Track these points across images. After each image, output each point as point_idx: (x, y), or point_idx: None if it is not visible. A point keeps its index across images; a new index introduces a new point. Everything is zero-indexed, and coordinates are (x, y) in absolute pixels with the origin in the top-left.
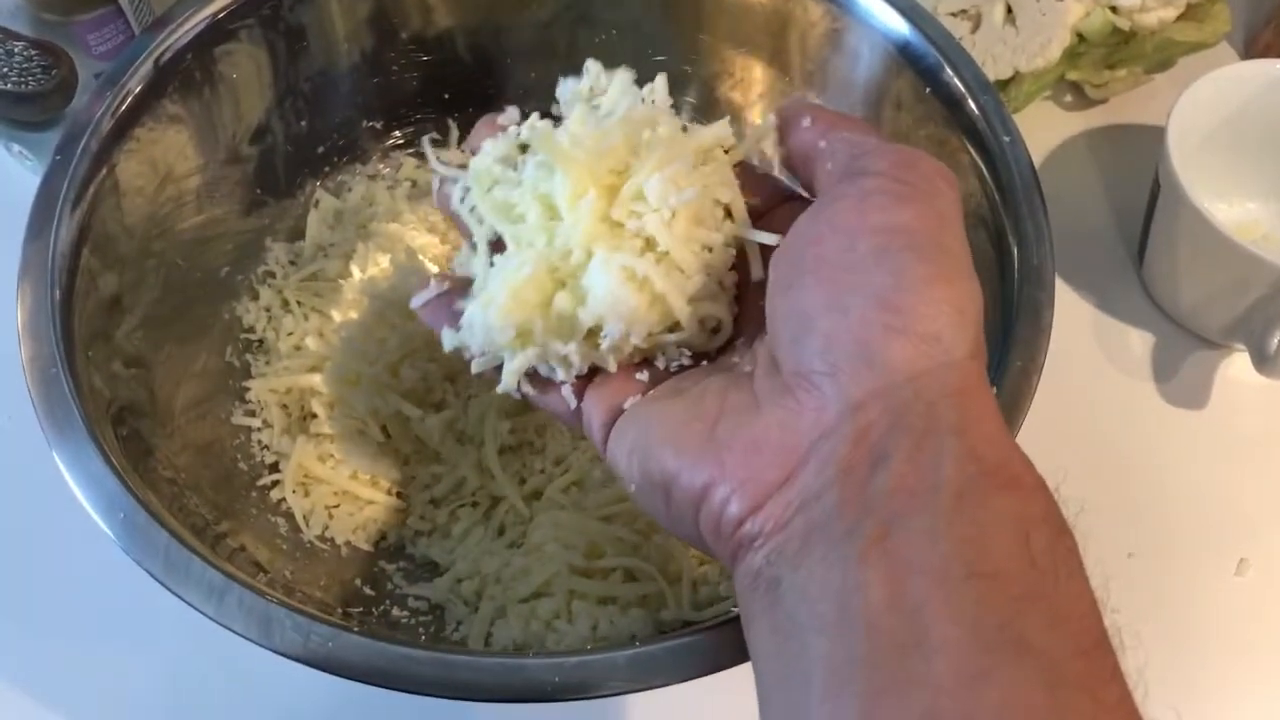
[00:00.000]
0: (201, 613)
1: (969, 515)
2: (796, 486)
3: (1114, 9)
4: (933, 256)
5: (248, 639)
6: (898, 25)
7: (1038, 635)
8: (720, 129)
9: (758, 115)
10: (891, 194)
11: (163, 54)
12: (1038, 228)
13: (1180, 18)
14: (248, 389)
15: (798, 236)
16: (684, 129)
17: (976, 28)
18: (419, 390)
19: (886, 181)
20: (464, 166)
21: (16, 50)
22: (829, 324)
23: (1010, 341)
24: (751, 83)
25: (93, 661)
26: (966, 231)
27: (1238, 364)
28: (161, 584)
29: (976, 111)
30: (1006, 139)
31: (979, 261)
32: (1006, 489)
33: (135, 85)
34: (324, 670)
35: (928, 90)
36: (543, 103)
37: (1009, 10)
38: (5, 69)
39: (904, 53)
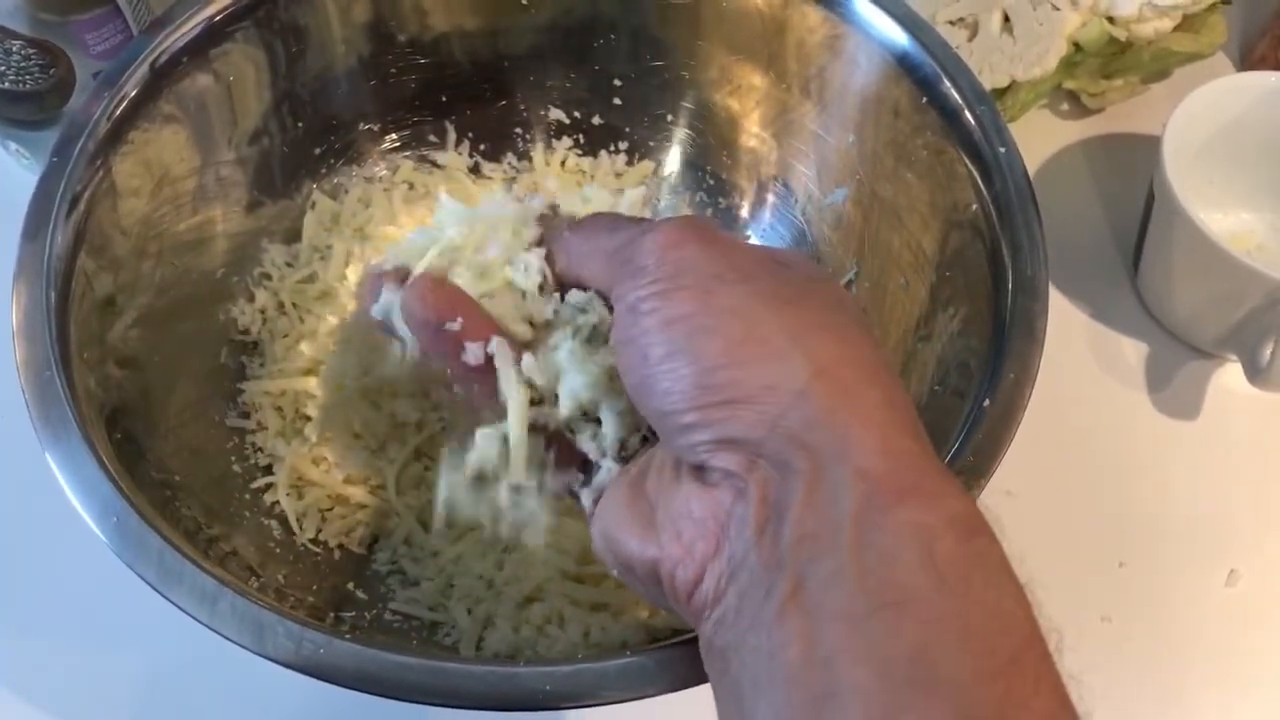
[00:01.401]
0: (194, 618)
1: (869, 543)
2: (724, 556)
3: (1111, 19)
4: (714, 324)
5: (240, 645)
6: (896, 35)
7: (949, 662)
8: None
9: (755, 123)
10: (654, 294)
11: (160, 56)
12: (1032, 239)
13: (1177, 28)
14: (242, 391)
15: (617, 348)
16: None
17: (973, 36)
18: (415, 395)
19: (644, 285)
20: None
21: (14, 49)
22: (680, 420)
23: (1004, 353)
24: (749, 89)
25: (83, 661)
26: (962, 242)
27: (1230, 375)
28: (155, 589)
29: (973, 122)
30: (1002, 150)
31: (973, 272)
32: (903, 500)
33: (132, 88)
34: (316, 677)
35: (924, 100)
36: (539, 105)
37: (1006, 19)
38: (3, 68)
39: (902, 62)
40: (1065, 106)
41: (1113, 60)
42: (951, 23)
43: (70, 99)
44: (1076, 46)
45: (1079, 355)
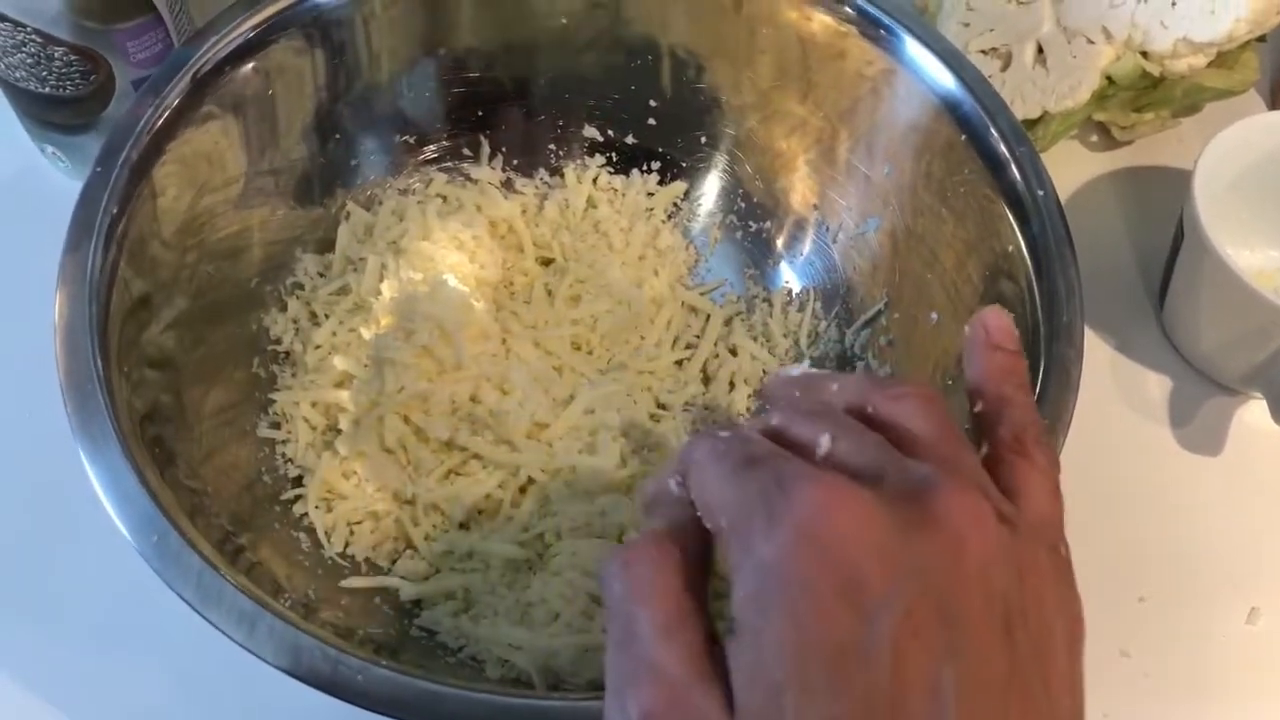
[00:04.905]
0: (232, 639)
1: None
2: None
3: (1145, 54)
4: None
5: (277, 668)
6: (938, 71)
7: None
8: None
9: (790, 150)
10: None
11: (202, 67)
12: (1068, 283)
13: (1210, 64)
14: (273, 401)
15: None
16: None
17: (1006, 66)
18: (448, 413)
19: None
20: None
21: (56, 55)
22: None
23: (1038, 399)
24: (786, 116)
25: (104, 663)
26: (997, 282)
27: (1255, 412)
28: (194, 609)
29: (1012, 163)
30: (1041, 192)
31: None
32: None
33: (174, 99)
34: (349, 702)
35: (964, 138)
36: (574, 122)
37: (1040, 51)
38: (44, 73)
39: (943, 99)
40: (1095, 138)
41: (1144, 94)
42: (984, 52)
43: (109, 106)
44: (1109, 80)
45: (1102, 388)
